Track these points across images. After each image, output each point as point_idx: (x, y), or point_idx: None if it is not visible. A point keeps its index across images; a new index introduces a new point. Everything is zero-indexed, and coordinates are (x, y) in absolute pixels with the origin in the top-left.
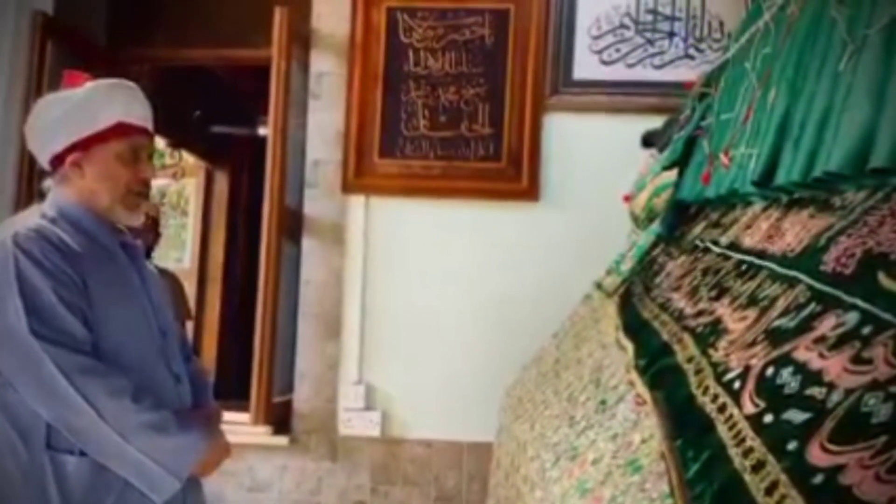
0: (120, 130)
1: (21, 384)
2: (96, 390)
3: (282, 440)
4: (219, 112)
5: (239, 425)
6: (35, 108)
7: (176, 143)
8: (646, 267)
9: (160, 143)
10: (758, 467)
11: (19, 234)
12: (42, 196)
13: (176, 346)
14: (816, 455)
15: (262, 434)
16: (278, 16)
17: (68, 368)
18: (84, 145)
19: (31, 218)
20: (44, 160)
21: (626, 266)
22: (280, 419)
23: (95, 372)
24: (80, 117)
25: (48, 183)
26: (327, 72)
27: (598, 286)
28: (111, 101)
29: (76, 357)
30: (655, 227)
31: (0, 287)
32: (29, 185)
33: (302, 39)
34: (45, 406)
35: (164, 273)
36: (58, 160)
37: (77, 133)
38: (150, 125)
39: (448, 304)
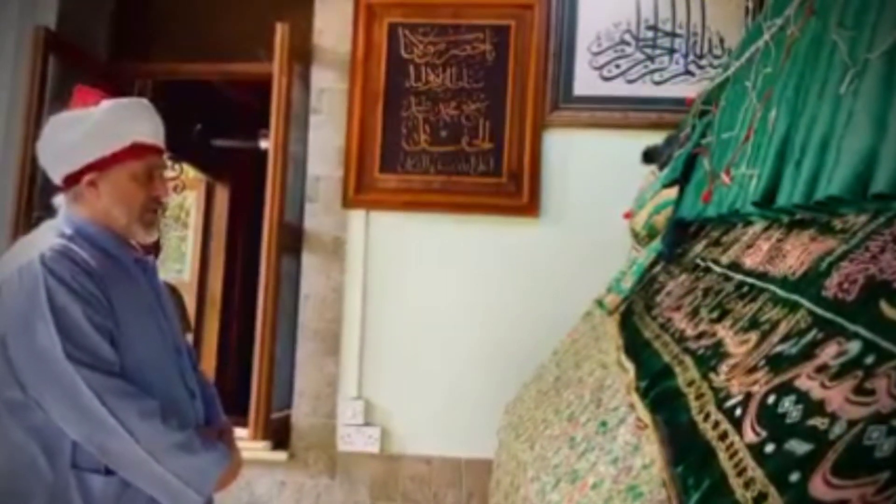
0: (136, 151)
1: (53, 406)
2: (128, 412)
3: (280, 455)
4: (220, 125)
5: (237, 440)
6: (50, 125)
7: (177, 157)
8: (646, 285)
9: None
10: (759, 499)
11: (46, 255)
12: (48, 213)
13: (188, 361)
14: (819, 488)
15: (260, 449)
16: (279, 31)
17: (101, 390)
18: (101, 165)
19: (49, 236)
20: (57, 178)
21: (627, 284)
22: (279, 434)
23: (127, 394)
24: (97, 138)
25: (58, 199)
26: (328, 87)
27: (599, 303)
28: (128, 121)
29: (108, 379)
30: (656, 244)
31: (31, 310)
32: (29, 200)
33: (303, 55)
34: (77, 427)
35: (166, 286)
36: (72, 178)
37: (94, 153)
38: (162, 142)
39: (448, 319)
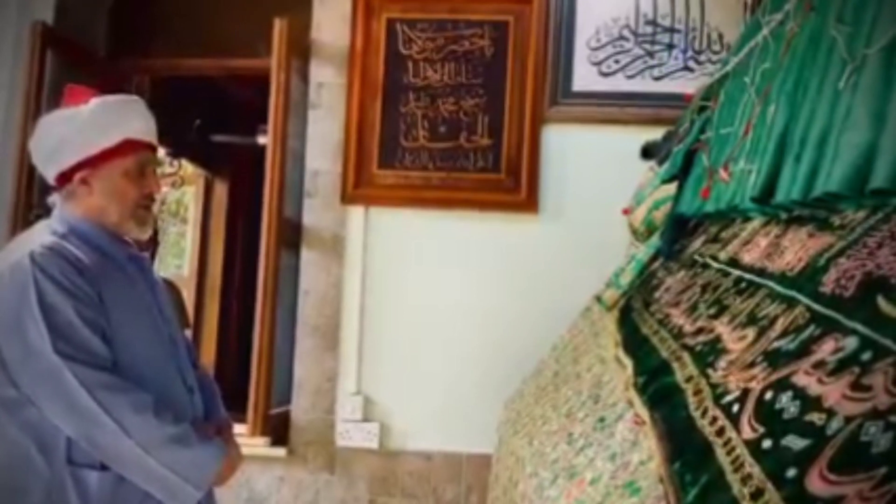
0: (127, 147)
1: (45, 402)
2: (120, 406)
3: (279, 451)
4: (218, 121)
5: (236, 436)
6: (41, 124)
7: (176, 152)
8: (645, 281)
9: (160, 151)
10: (756, 495)
11: (36, 252)
12: (47, 211)
13: (186, 356)
14: (816, 484)
15: (259, 445)
16: (278, 27)
17: (92, 385)
18: (92, 163)
19: (42, 235)
20: (50, 177)
21: (625, 279)
22: (278, 430)
23: (119, 388)
24: (88, 135)
25: (53, 198)
26: (327, 82)
27: (598, 299)
28: (118, 118)
29: (100, 374)
30: (654, 240)
31: (21, 307)
32: (27, 196)
33: (302, 50)
34: (70, 423)
35: (163, 282)
36: (65, 177)
37: (85, 151)
38: (154, 139)
39: (447, 315)
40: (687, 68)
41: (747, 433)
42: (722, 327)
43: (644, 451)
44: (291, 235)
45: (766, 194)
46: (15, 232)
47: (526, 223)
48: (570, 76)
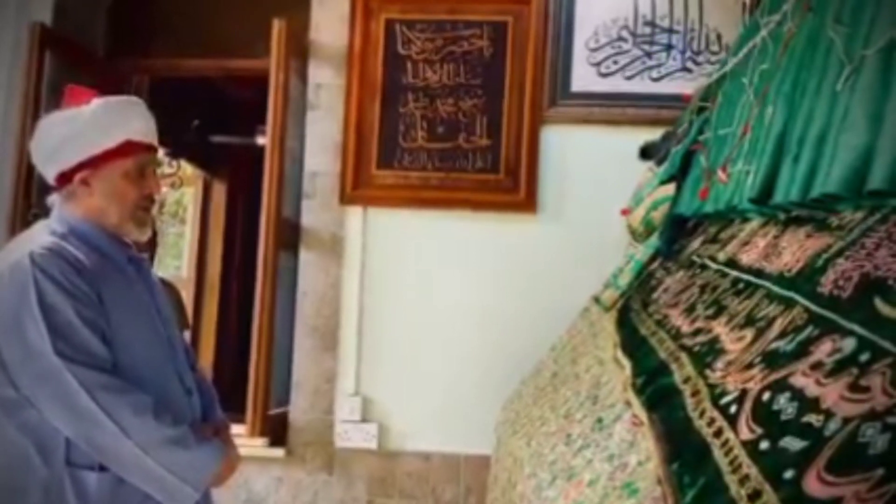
0: (127, 148)
1: (45, 403)
2: (120, 407)
3: (278, 452)
4: (217, 121)
5: (235, 437)
6: (42, 124)
7: (175, 153)
8: (643, 281)
9: (160, 152)
10: (754, 496)
11: (35, 253)
12: (46, 211)
13: (184, 358)
14: (813, 485)
15: (258, 446)
16: (276, 28)
17: (92, 386)
18: (92, 164)
19: (42, 235)
20: (50, 177)
21: (624, 280)
22: (276, 431)
23: (118, 389)
24: (89, 136)
25: (53, 198)
26: (325, 83)
27: (597, 300)
28: (119, 119)
29: (99, 375)
30: (653, 240)
31: (21, 308)
32: (26, 197)
33: (300, 50)
34: (69, 424)
35: (162, 282)
36: (65, 177)
37: (86, 152)
38: (155, 140)
39: (446, 315)
40: (685, 69)
41: (745, 434)
42: (720, 328)
43: (642, 451)
44: (290, 236)
45: (764, 195)
46: (14, 232)
47: (525, 223)
48: (569, 77)
